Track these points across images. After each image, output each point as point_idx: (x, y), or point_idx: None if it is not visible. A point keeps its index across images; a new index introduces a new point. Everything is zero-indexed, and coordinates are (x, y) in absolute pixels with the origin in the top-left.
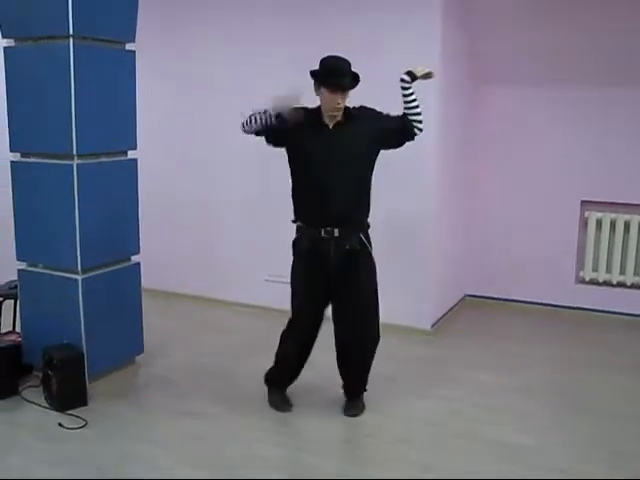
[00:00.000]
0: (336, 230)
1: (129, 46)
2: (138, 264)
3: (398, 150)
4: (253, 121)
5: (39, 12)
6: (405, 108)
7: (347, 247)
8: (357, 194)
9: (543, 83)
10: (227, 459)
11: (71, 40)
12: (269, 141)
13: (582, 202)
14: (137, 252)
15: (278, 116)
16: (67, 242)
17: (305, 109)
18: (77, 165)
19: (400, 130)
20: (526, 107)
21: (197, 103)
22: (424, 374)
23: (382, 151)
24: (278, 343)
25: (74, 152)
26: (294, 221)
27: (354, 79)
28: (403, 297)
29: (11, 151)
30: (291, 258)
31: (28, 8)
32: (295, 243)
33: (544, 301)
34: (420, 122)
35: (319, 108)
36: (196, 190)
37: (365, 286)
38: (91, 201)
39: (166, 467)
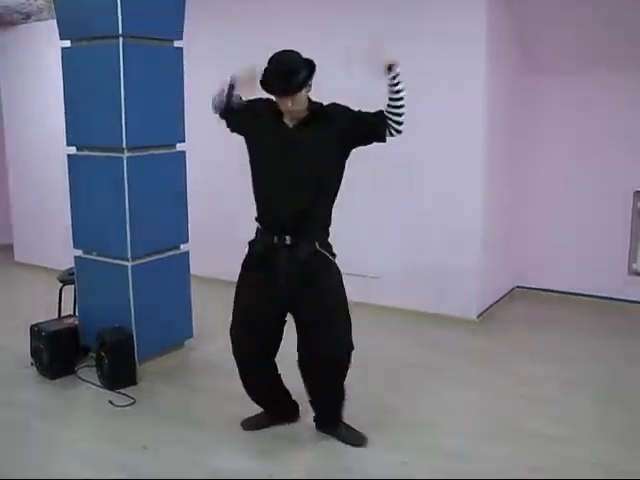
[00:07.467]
0: (287, 237)
1: (177, 43)
2: (187, 252)
3: (448, 133)
4: (216, 95)
5: (92, 14)
6: (389, 104)
7: (300, 257)
8: (314, 199)
9: (593, 72)
10: (269, 442)
11: (120, 40)
12: (229, 125)
13: (635, 192)
14: (186, 241)
15: (232, 87)
16: (118, 230)
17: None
18: (127, 158)
19: (370, 127)
20: (577, 97)
21: None
22: (467, 364)
23: (433, 132)
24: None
25: (124, 145)
26: (257, 219)
27: (309, 71)
28: (449, 287)
29: (67, 145)
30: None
31: (82, 11)
32: (250, 246)
33: (595, 293)
34: (399, 123)
35: None
36: None
37: (326, 297)
38: (140, 192)
39: (208, 447)
